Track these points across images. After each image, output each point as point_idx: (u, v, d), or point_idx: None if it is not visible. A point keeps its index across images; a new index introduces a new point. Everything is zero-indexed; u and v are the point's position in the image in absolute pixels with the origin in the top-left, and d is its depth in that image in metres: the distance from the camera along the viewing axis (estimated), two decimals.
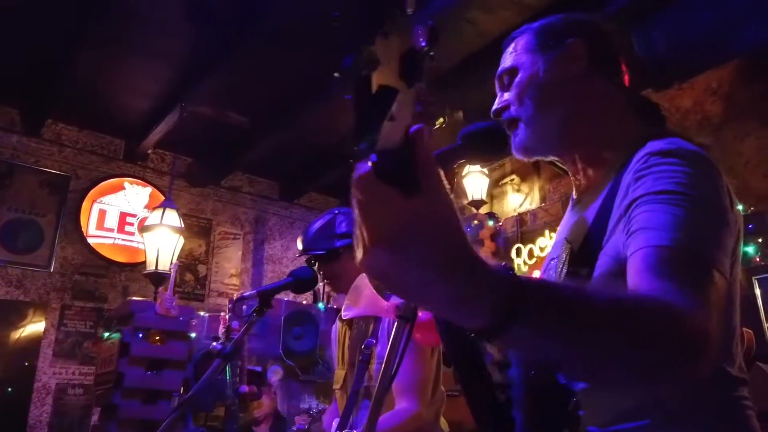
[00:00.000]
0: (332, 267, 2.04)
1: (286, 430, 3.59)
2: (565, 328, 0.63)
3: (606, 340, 0.65)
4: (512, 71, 1.15)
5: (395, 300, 1.71)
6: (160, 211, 4.17)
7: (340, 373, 2.14)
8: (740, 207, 3.02)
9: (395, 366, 1.11)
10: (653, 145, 0.95)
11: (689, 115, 4.59)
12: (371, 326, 1.96)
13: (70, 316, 5.05)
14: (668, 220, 0.81)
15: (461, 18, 3.81)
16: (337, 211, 2.18)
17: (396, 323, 1.12)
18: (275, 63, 4.50)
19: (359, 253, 0.56)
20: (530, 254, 4.84)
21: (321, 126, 5.26)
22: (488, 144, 1.16)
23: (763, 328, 3.24)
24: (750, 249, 3.46)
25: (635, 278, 0.79)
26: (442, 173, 0.57)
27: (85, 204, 5.35)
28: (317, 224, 2.13)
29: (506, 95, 1.16)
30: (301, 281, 2.04)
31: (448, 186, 0.57)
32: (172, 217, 4.14)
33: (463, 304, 0.58)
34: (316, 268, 2.06)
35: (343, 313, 1.60)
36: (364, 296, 1.48)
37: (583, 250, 1.01)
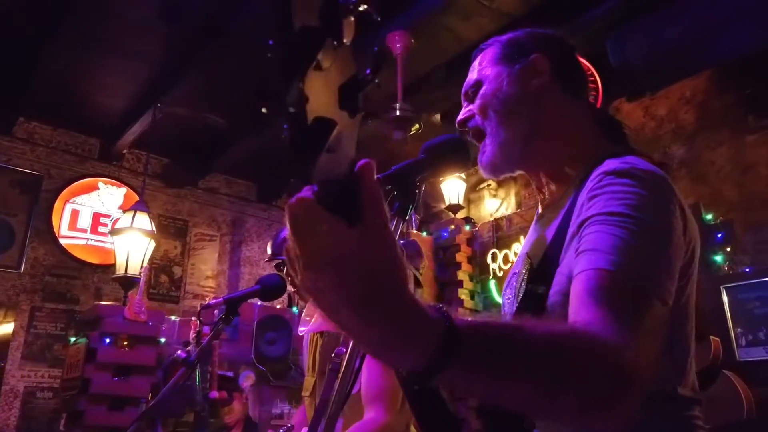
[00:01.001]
0: None
1: None
2: (498, 371, 0.64)
3: (539, 381, 0.66)
4: (477, 84, 1.16)
5: None
6: (131, 214, 4.10)
7: (309, 381, 2.12)
8: (710, 216, 3.05)
9: (350, 383, 1.10)
10: (609, 164, 0.95)
11: (664, 123, 4.66)
12: (342, 335, 1.95)
13: (40, 318, 4.95)
14: (614, 242, 0.81)
15: (439, 24, 3.82)
16: None
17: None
18: (253, 64, 4.46)
19: (294, 273, 0.56)
20: (505, 259, 4.86)
21: None
22: (451, 157, 1.16)
23: (730, 336, 3.28)
24: (718, 258, 3.50)
25: (575, 302, 0.80)
26: (387, 210, 0.56)
27: (57, 204, 5.25)
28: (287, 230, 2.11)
29: (471, 107, 1.17)
30: (268, 288, 2.02)
31: (390, 224, 0.56)
32: (143, 220, 4.07)
33: (391, 348, 0.57)
34: (285, 273, 2.04)
35: (299, 327, 1.59)
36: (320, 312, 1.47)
37: (541, 266, 1.02)
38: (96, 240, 5.38)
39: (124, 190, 5.63)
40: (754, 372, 3.16)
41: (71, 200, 5.34)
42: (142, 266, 3.88)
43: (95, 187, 5.50)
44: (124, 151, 5.61)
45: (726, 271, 3.48)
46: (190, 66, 4.46)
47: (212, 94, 4.86)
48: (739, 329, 3.30)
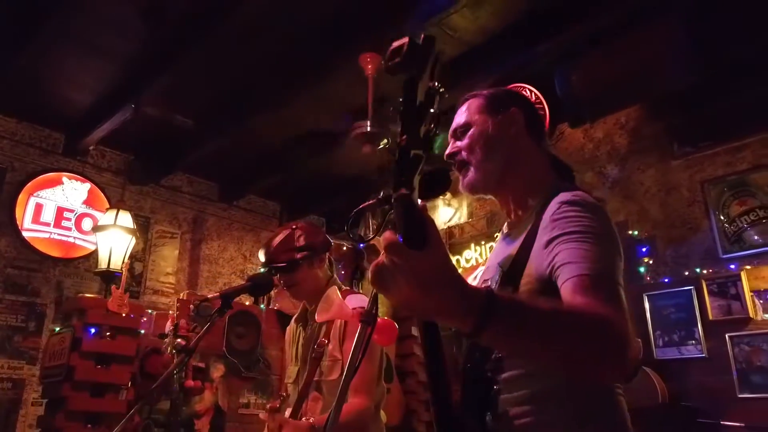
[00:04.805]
0: (292, 276, 2.31)
1: (225, 424, 3.80)
2: (528, 326, 0.91)
3: (560, 342, 0.93)
4: (466, 126, 1.47)
5: (358, 308, 2.01)
6: (113, 212, 4.25)
7: (293, 369, 2.39)
8: (636, 232, 3.53)
9: (359, 361, 1.39)
10: (563, 196, 1.27)
11: (600, 145, 5.11)
12: (324, 328, 2.25)
13: (0, 310, 4.99)
14: (583, 254, 1.12)
15: None
16: (294, 227, 2.43)
17: (360, 327, 1.42)
18: (222, 68, 4.60)
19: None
20: (457, 265, 5.25)
21: (264, 131, 5.44)
22: (436, 185, 1.48)
23: (650, 338, 3.77)
24: (642, 269, 3.98)
25: (572, 298, 1.05)
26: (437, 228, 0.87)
27: (21, 197, 5.27)
28: (278, 239, 2.38)
29: (458, 143, 1.48)
30: (258, 286, 2.30)
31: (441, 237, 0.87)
32: (126, 218, 4.24)
33: (456, 312, 0.86)
34: (277, 277, 2.31)
35: (316, 316, 1.88)
36: (335, 305, 1.78)
37: (510, 272, 1.32)
38: (59, 234, 5.44)
39: (88, 185, 5.69)
40: (668, 369, 3.65)
41: (35, 194, 5.37)
42: (123, 262, 4.04)
43: (59, 182, 5.55)
44: (91, 148, 5.68)
45: (648, 281, 3.96)
46: (160, 67, 4.52)
47: (180, 95, 4.96)
48: (657, 332, 3.78)
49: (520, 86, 4.45)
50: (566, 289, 1.08)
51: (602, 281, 1.08)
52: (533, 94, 4.36)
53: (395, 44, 0.89)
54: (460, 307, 0.85)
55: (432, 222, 0.85)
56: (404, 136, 0.84)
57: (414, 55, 0.87)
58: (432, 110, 0.87)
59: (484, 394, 1.26)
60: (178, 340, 2.25)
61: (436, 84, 0.90)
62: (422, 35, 0.90)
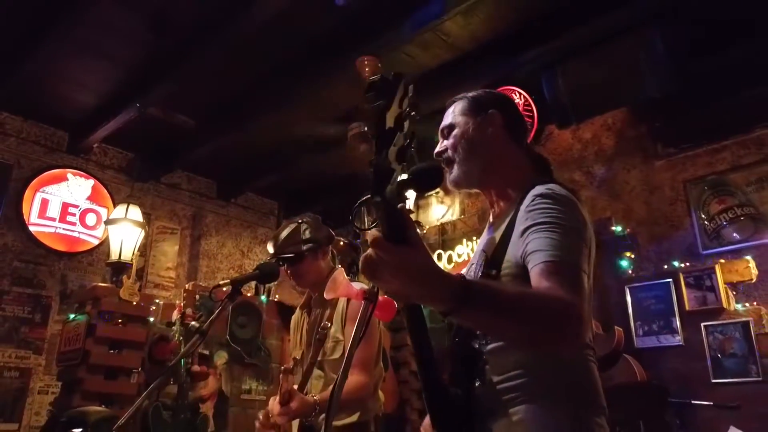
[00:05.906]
0: (298, 267, 2.49)
1: (228, 408, 4.00)
2: (495, 311, 1.05)
3: (522, 320, 1.09)
4: (450, 126, 1.63)
5: (362, 288, 2.18)
6: (124, 206, 4.44)
7: (298, 353, 2.59)
8: (619, 228, 3.73)
9: (362, 333, 1.59)
10: (537, 189, 1.42)
11: (588, 146, 5.29)
12: (327, 312, 2.44)
13: (7, 302, 5.14)
14: (550, 242, 1.27)
15: (401, 52, 4.34)
16: (300, 221, 2.61)
17: (362, 304, 1.61)
18: (223, 72, 4.78)
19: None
20: (449, 260, 5.44)
21: (262, 132, 5.61)
22: (430, 179, 1.67)
23: (631, 327, 3.98)
24: (624, 263, 4.18)
25: (536, 282, 1.19)
26: (416, 227, 1.05)
27: (27, 193, 5.44)
28: (285, 232, 2.56)
29: (445, 142, 1.63)
30: (265, 274, 2.48)
31: (420, 235, 1.03)
32: (136, 212, 4.44)
33: (435, 297, 1.02)
34: (284, 267, 2.50)
35: (325, 294, 2.08)
36: (342, 285, 1.98)
37: (493, 258, 1.47)
38: (64, 229, 5.60)
39: (92, 182, 5.86)
40: (647, 356, 3.86)
41: (41, 189, 5.53)
42: (133, 253, 4.23)
43: (64, 178, 5.71)
44: (94, 146, 5.84)
45: (630, 275, 4.17)
46: (164, 71, 4.69)
47: (183, 96, 5.11)
48: (638, 322, 4.00)
49: (510, 89, 4.65)
50: (534, 274, 1.21)
51: (565, 267, 1.20)
52: (522, 96, 4.56)
53: (371, 79, 1.06)
54: (438, 292, 0.98)
55: (411, 221, 1.01)
56: (377, 155, 1.00)
57: (384, 88, 1.05)
58: (404, 131, 1.03)
59: (472, 365, 1.40)
60: (193, 322, 2.42)
61: (406, 110, 1.06)
62: (392, 73, 1.07)
